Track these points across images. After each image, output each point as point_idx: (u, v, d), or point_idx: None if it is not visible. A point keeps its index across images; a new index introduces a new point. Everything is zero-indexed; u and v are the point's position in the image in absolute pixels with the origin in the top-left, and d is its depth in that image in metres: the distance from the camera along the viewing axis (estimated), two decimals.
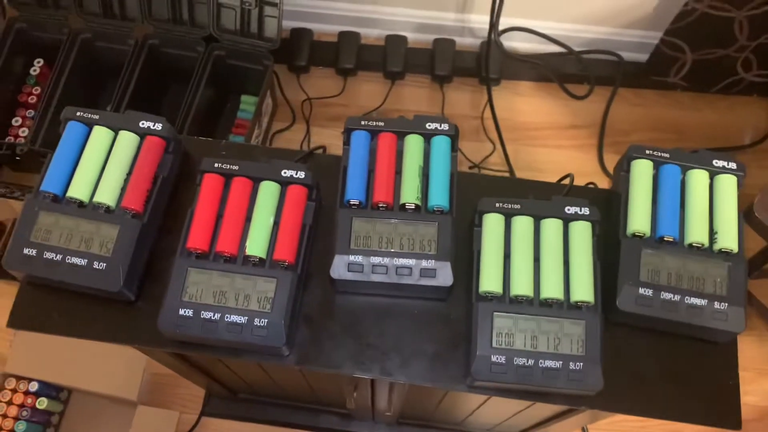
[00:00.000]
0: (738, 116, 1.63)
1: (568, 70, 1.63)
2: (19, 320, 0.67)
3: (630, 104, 1.63)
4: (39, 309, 0.67)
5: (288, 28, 1.65)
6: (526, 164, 1.57)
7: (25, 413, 1.26)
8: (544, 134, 1.62)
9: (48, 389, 1.30)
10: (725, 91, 1.61)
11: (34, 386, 1.28)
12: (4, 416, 1.25)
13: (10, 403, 1.26)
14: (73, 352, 1.30)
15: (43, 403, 1.27)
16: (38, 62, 1.55)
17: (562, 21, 1.57)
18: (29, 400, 1.27)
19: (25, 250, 0.64)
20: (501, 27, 1.57)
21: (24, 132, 1.49)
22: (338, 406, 1.29)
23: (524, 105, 1.64)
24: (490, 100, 1.60)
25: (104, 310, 0.67)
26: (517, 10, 1.52)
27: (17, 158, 1.39)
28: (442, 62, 1.62)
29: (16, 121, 1.50)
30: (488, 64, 1.58)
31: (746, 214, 1.09)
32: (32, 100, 1.53)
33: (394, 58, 1.63)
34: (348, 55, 1.63)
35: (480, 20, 1.59)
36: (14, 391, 1.27)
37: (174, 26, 1.48)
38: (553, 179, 0.77)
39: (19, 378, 1.29)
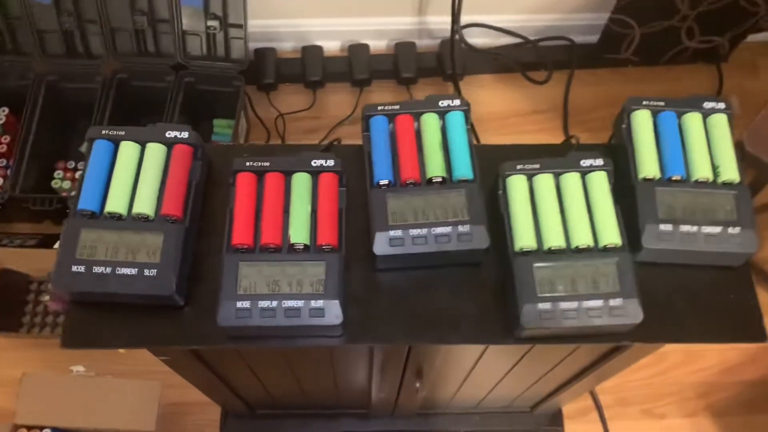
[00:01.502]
0: (687, 84, 1.73)
1: (526, 59, 1.71)
2: (72, 340, 0.67)
3: (587, 84, 1.72)
4: (89, 326, 0.68)
5: (251, 49, 1.68)
6: None
7: None
8: (511, 122, 1.69)
9: None
10: (673, 61, 1.71)
11: None
12: None
13: None
14: (83, 393, 1.28)
15: None
16: (3, 111, 1.53)
17: (515, 13, 1.65)
18: None
19: (74, 268, 0.64)
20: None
21: None
22: (358, 407, 1.30)
23: (488, 97, 1.71)
24: (458, 95, 1.65)
25: (154, 319, 0.68)
26: (473, 7, 1.58)
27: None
28: (406, 65, 1.67)
29: None
30: (454, 59, 1.63)
31: None
32: (2, 149, 1.51)
33: (359, 67, 1.67)
34: (314, 68, 1.67)
35: (437, 21, 1.66)
36: None
37: (141, 58, 1.49)
38: None
39: (30, 428, 1.26)
